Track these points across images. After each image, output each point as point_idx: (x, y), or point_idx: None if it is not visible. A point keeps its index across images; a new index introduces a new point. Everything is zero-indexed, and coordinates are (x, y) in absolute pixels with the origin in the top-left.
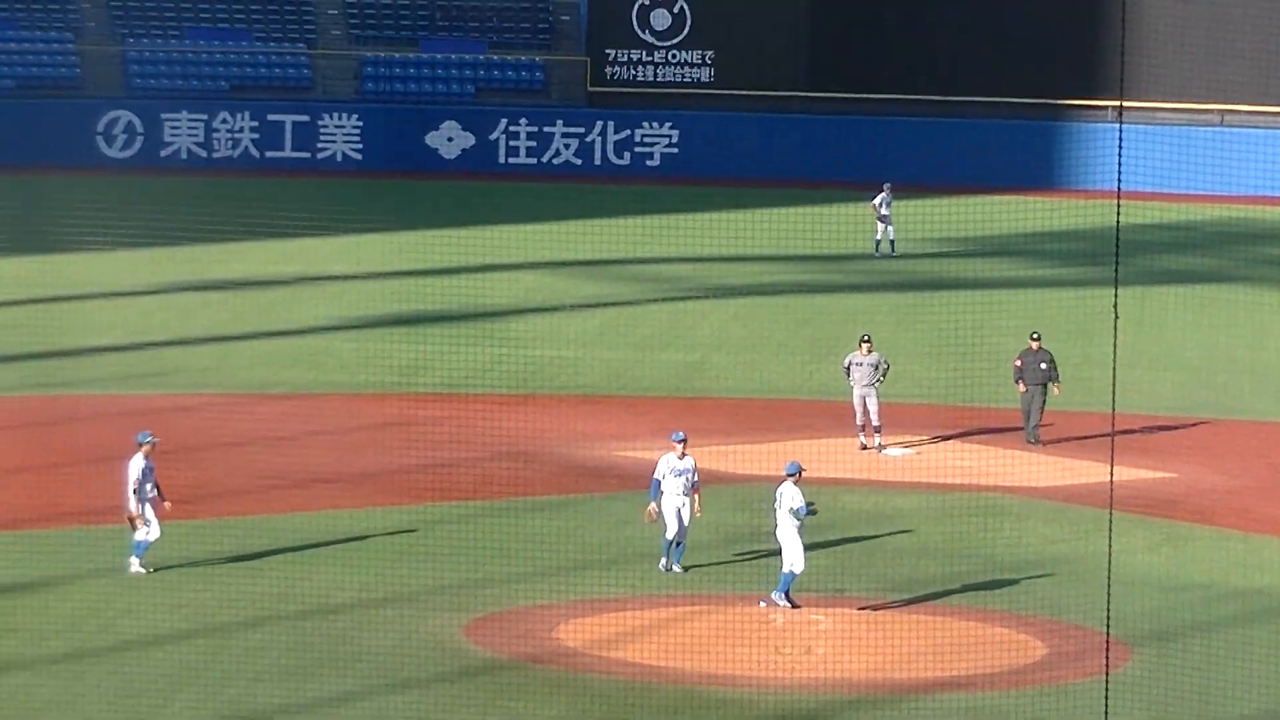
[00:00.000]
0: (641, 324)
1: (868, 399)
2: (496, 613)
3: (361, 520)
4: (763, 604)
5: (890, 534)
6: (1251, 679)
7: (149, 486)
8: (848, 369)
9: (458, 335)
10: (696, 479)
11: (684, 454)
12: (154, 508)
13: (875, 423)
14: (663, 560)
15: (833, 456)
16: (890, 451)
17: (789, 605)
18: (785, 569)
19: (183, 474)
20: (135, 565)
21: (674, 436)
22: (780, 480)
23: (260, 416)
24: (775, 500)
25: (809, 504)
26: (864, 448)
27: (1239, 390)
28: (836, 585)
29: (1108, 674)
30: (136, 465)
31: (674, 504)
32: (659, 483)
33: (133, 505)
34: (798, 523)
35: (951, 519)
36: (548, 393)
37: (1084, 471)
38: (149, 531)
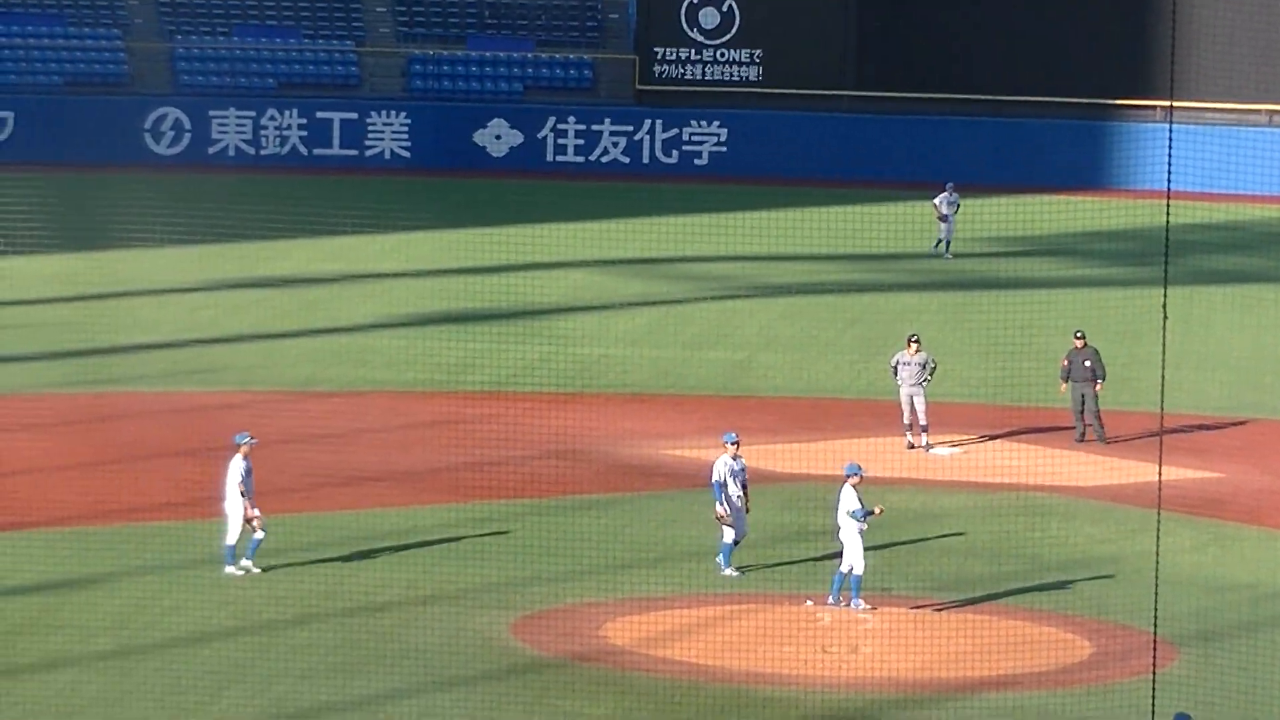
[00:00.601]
0: (689, 322)
1: (915, 398)
2: (543, 611)
3: (408, 518)
4: (809, 603)
5: (937, 534)
6: None
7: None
8: (895, 368)
9: (505, 333)
10: (746, 478)
11: (737, 454)
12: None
13: (923, 422)
14: (721, 562)
15: (880, 456)
16: (938, 451)
17: (864, 605)
18: (844, 569)
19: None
20: (250, 565)
21: (726, 438)
22: (841, 482)
23: (307, 414)
24: (837, 502)
25: (868, 508)
26: (911, 447)
27: None
28: (883, 584)
29: (1155, 673)
30: (237, 467)
31: (734, 505)
32: (720, 485)
33: (244, 506)
34: (859, 524)
35: (998, 518)
36: (595, 391)
37: (1131, 471)
38: (253, 530)
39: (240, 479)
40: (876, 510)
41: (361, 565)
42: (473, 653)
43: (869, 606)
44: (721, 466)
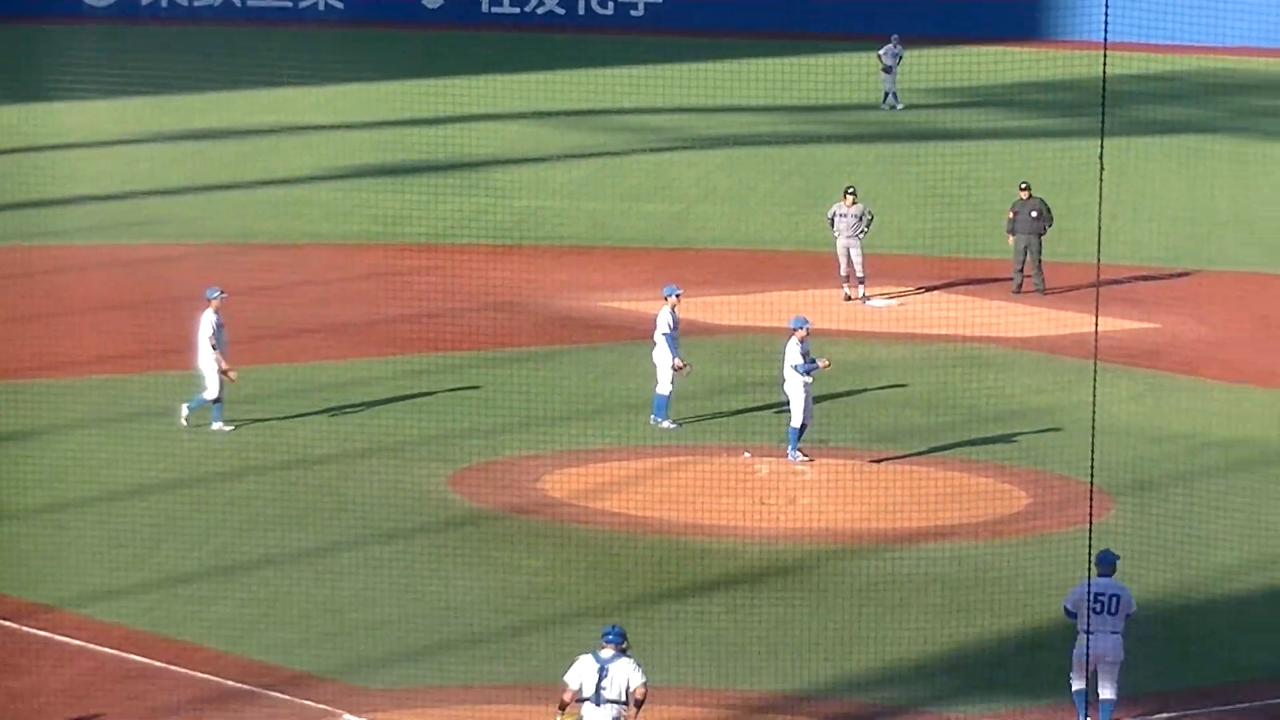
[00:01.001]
0: (626, 174)
1: (851, 250)
2: (481, 463)
3: (346, 371)
4: (746, 454)
5: (875, 386)
6: (1232, 528)
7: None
8: (831, 220)
9: (442, 185)
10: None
11: (676, 307)
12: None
13: (859, 273)
14: (655, 416)
15: (817, 307)
16: (874, 303)
17: (801, 457)
18: (792, 423)
19: (166, 325)
20: (220, 425)
21: (668, 291)
22: (787, 335)
23: (244, 267)
24: (783, 355)
25: (814, 358)
26: (848, 299)
27: (1222, 241)
28: (820, 436)
29: (1091, 523)
30: (208, 321)
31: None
32: (673, 338)
33: (216, 359)
34: (804, 378)
35: (936, 370)
36: (532, 243)
37: (1068, 322)
38: (230, 382)
39: (211, 333)
40: (822, 363)
41: (299, 419)
42: (411, 505)
43: (806, 458)
44: (665, 319)
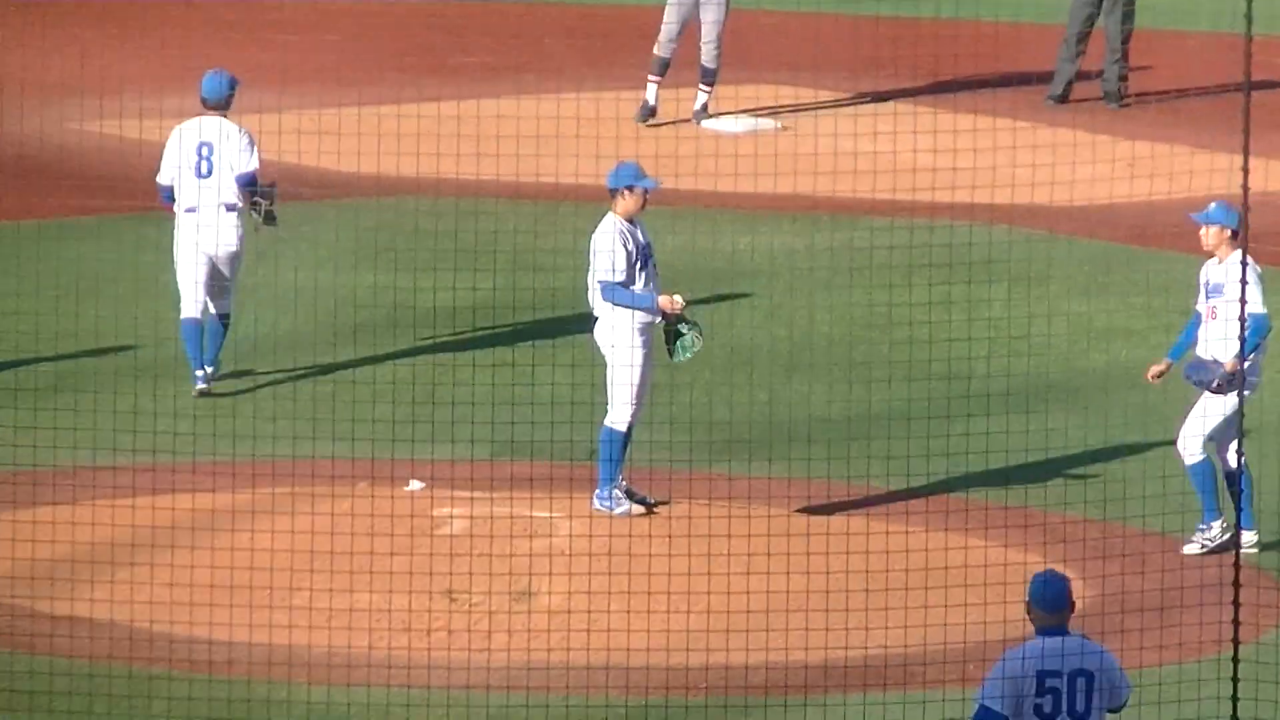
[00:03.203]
0: None
1: (704, 9)
2: None
3: None
4: (415, 485)
5: (739, 303)
6: None
7: None
8: None
9: None
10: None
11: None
12: None
13: (708, 58)
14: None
15: (605, 129)
16: (718, 124)
17: (623, 504)
18: (609, 419)
19: None
20: None
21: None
22: None
23: None
24: (587, 262)
25: (649, 260)
26: (652, 114)
27: None
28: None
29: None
30: None
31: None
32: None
33: None
34: (639, 316)
35: (871, 287)
36: None
37: (1176, 175)
38: None
39: None
40: (668, 302)
41: None
42: None
43: (639, 503)
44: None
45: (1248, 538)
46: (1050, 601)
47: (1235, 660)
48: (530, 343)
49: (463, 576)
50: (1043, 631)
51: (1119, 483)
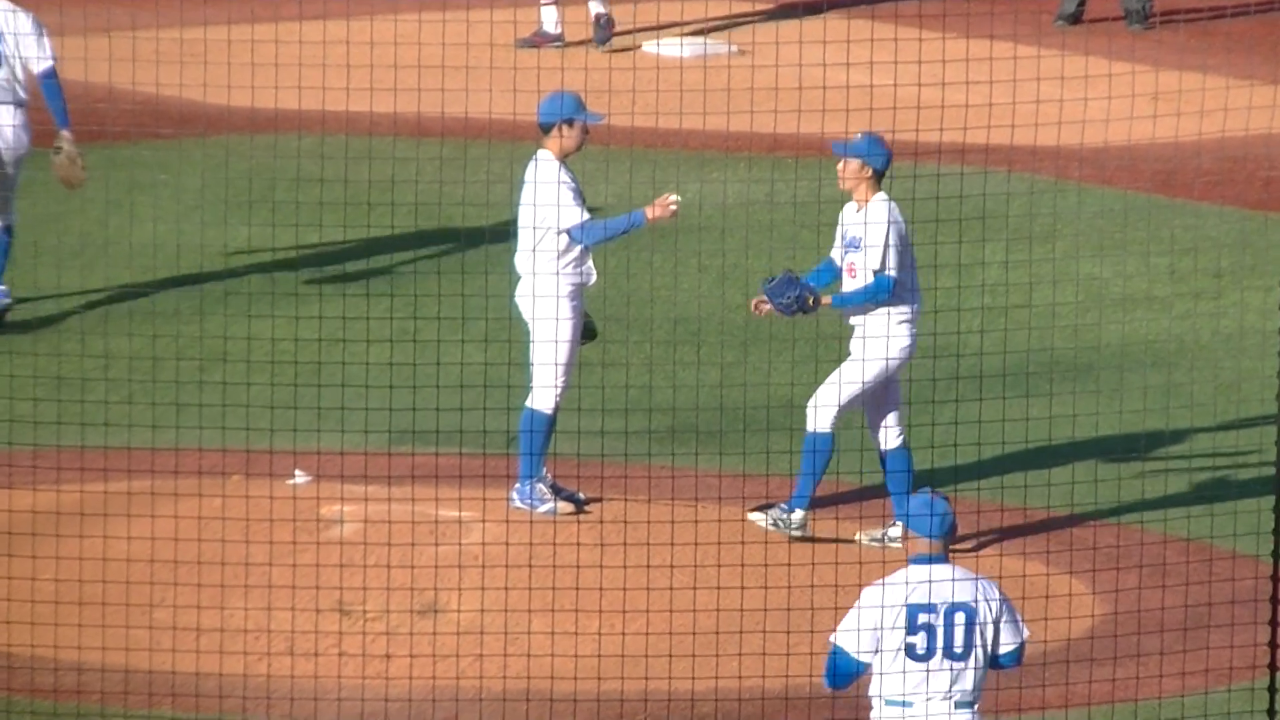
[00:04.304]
0: None
1: None
2: None
3: None
4: (300, 478)
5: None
6: None
7: None
8: None
9: None
10: None
11: None
12: None
13: None
14: None
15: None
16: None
17: (548, 500)
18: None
19: None
20: None
21: None
22: None
23: None
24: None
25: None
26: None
27: None
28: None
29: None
30: None
31: None
32: None
33: None
34: (570, 280)
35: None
36: None
37: (1208, 108)
38: None
39: None
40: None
41: None
42: None
43: (567, 502)
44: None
45: (796, 517)
46: (932, 526)
47: (1272, 690)
48: (435, 312)
49: (356, 588)
50: (915, 560)
51: (1136, 479)
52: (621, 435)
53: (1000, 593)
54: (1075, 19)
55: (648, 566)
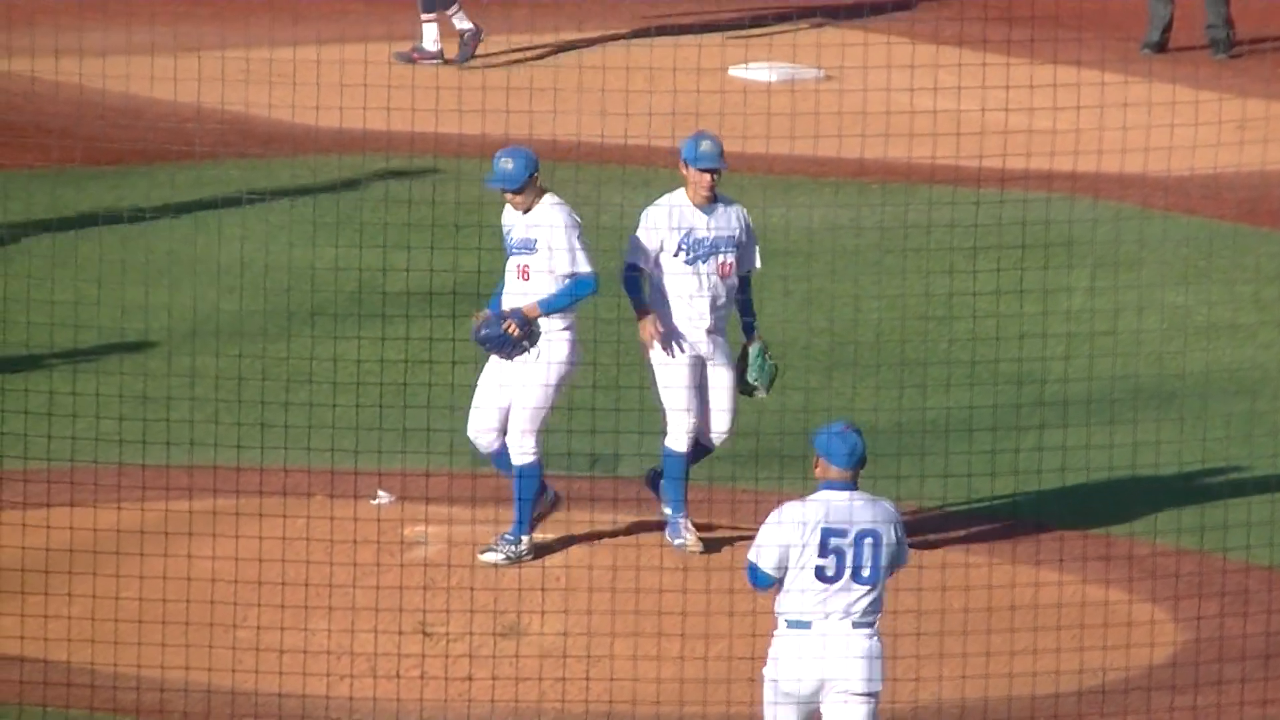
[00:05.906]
0: None
1: None
2: None
3: None
4: (383, 498)
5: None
6: None
7: None
8: None
9: None
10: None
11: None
12: None
13: None
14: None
15: None
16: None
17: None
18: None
19: None
20: None
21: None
22: None
23: None
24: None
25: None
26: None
27: None
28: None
29: None
30: None
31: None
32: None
33: None
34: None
35: (904, 273)
36: None
37: None
38: None
39: None
40: None
41: None
42: None
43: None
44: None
45: (524, 545)
46: (845, 456)
47: None
48: None
49: (439, 610)
50: (827, 485)
51: (1219, 507)
52: (706, 458)
53: (895, 512)
54: (1161, 47)
55: (730, 591)
